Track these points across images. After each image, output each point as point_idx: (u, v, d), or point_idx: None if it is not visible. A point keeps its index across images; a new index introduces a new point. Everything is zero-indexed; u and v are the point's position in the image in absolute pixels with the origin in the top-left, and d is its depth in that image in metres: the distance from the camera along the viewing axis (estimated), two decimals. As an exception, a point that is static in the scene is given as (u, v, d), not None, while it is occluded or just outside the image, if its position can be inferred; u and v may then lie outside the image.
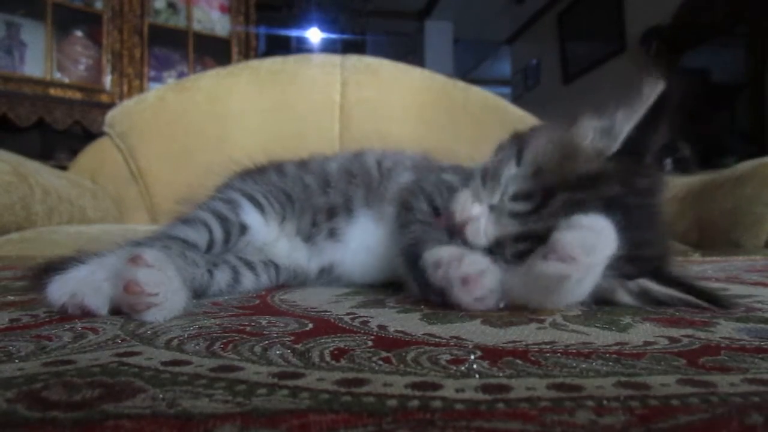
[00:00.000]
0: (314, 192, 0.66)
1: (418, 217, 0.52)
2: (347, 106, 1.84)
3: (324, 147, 1.56)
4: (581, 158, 0.47)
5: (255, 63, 1.99)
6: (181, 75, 3.22)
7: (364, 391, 0.23)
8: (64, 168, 1.80)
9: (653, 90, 0.45)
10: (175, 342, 0.32)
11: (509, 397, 0.22)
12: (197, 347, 0.30)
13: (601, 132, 0.47)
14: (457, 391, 0.23)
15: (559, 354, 0.29)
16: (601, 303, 0.46)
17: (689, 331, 0.36)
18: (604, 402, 0.21)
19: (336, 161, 0.71)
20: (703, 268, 0.84)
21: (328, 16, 5.37)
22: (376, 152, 0.72)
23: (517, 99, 6.03)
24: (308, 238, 0.64)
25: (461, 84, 1.97)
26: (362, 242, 0.62)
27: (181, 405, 0.21)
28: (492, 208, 0.49)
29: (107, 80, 3.02)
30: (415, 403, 0.21)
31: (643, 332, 0.36)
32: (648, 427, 0.19)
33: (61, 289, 0.42)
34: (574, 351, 0.30)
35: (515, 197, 0.47)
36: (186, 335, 0.33)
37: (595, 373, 0.26)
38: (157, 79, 3.21)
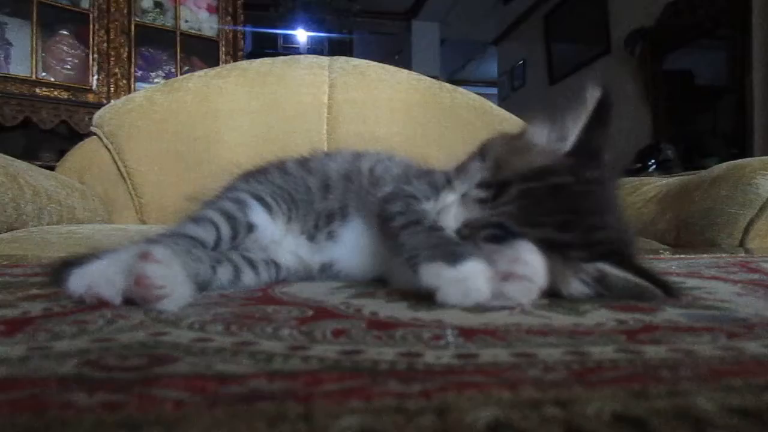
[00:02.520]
0: (316, 196, 0.71)
1: (405, 220, 0.55)
2: (335, 107, 1.88)
3: (312, 148, 1.60)
4: (534, 155, 0.54)
5: (243, 64, 2.02)
6: (168, 75, 3.23)
7: (361, 358, 0.28)
8: (49, 168, 1.81)
9: (593, 96, 0.52)
10: (196, 325, 0.37)
11: (477, 361, 0.28)
12: (217, 329, 0.35)
13: (554, 134, 0.54)
14: (436, 357, 0.28)
15: (522, 332, 0.35)
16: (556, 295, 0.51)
17: (637, 315, 0.42)
18: (551, 363, 0.27)
19: (336, 163, 0.76)
20: (668, 264, 0.91)
21: (315, 15, 5.39)
22: (372, 157, 0.77)
23: (503, 99, 6.11)
24: (312, 238, 0.69)
25: (447, 86, 2.02)
26: (354, 243, 0.68)
27: (216, 368, 0.26)
28: (463, 196, 0.56)
29: (94, 80, 3.02)
30: (403, 365, 0.27)
31: (597, 316, 0.42)
32: (581, 379, 0.24)
33: (78, 282, 0.46)
34: (535, 330, 0.36)
35: (478, 185, 0.55)
36: (204, 320, 0.38)
37: (549, 345, 0.31)
38: (144, 79, 3.21)
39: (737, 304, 0.47)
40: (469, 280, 0.46)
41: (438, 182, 0.60)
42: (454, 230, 0.54)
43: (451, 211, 0.55)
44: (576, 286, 0.51)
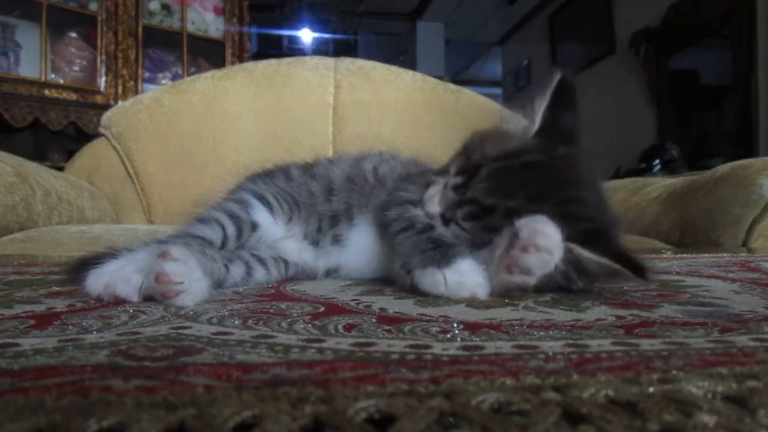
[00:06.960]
0: (319, 199, 0.73)
1: (400, 226, 0.59)
2: (340, 108, 1.90)
3: (318, 148, 1.62)
4: (504, 140, 0.58)
5: (250, 65, 2.04)
6: (175, 76, 3.27)
7: (373, 350, 0.30)
8: (58, 168, 1.83)
9: (554, 79, 0.56)
10: (215, 320, 0.39)
11: (482, 352, 0.29)
12: (235, 323, 0.37)
13: (524, 121, 0.59)
14: (443, 349, 0.30)
15: (525, 326, 0.37)
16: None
17: (635, 311, 0.43)
18: (551, 354, 0.29)
19: (339, 167, 0.77)
20: (669, 263, 0.92)
21: (320, 16, 5.41)
22: (374, 157, 0.79)
23: (507, 100, 6.12)
24: (315, 243, 0.71)
25: (452, 86, 2.04)
26: (362, 246, 0.69)
27: (238, 358, 0.28)
28: (445, 187, 0.61)
29: (102, 81, 3.05)
30: (412, 356, 0.29)
31: (597, 312, 0.43)
32: (579, 368, 0.26)
33: (96, 281, 0.48)
34: (537, 325, 0.38)
35: (455, 174, 0.59)
36: (221, 315, 0.40)
37: (550, 338, 0.33)
38: (151, 81, 3.25)
39: (733, 301, 0.49)
40: (464, 276, 0.50)
41: (428, 181, 0.64)
42: (439, 214, 0.59)
43: (435, 199, 0.60)
44: None
